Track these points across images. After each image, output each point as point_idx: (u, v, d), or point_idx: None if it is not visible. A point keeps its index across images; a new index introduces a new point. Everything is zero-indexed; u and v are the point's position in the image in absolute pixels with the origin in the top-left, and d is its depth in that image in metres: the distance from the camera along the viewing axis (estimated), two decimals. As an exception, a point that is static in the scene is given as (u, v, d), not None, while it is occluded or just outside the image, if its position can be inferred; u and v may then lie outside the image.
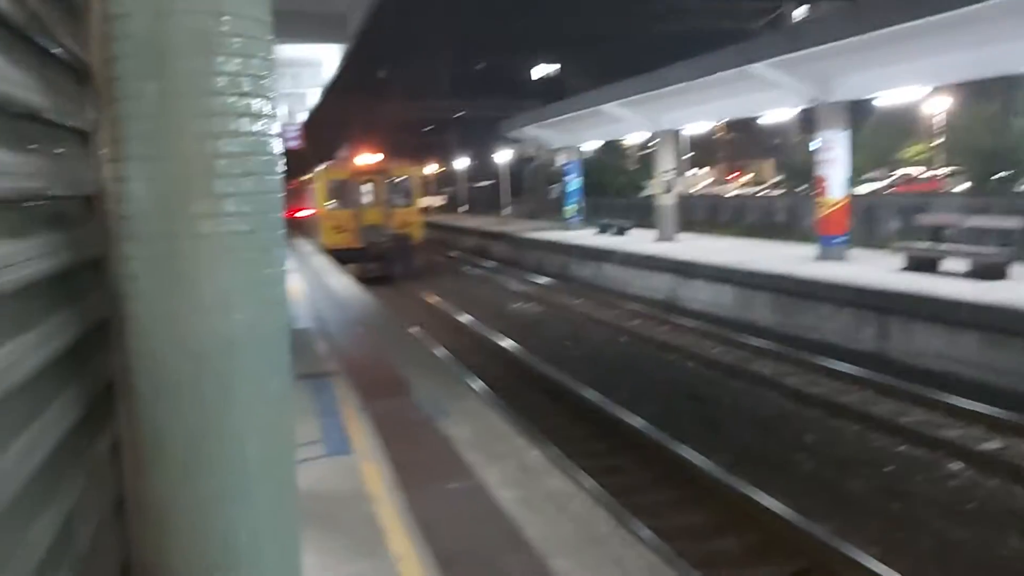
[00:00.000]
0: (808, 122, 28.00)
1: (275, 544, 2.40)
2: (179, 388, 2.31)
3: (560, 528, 4.82)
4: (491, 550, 4.56)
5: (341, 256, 26.89)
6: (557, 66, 67.93)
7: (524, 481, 5.56)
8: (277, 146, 2.52)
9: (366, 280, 24.41)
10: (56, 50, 2.34)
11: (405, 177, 29.64)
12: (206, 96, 2.31)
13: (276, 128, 2.52)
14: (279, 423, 2.47)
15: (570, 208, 34.28)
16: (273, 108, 2.52)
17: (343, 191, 28.75)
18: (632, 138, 36.90)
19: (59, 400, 2.06)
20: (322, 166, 30.41)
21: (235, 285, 2.32)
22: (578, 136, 33.52)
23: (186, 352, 2.29)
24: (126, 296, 2.35)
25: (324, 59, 22.75)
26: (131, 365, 2.38)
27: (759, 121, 36.38)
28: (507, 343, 15.99)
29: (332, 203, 28.78)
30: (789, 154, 48.67)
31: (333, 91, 31.30)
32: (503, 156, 48.44)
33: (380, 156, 29.24)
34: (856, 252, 18.79)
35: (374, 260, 27.66)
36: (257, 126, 2.41)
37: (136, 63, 2.31)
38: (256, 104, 2.41)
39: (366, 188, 28.81)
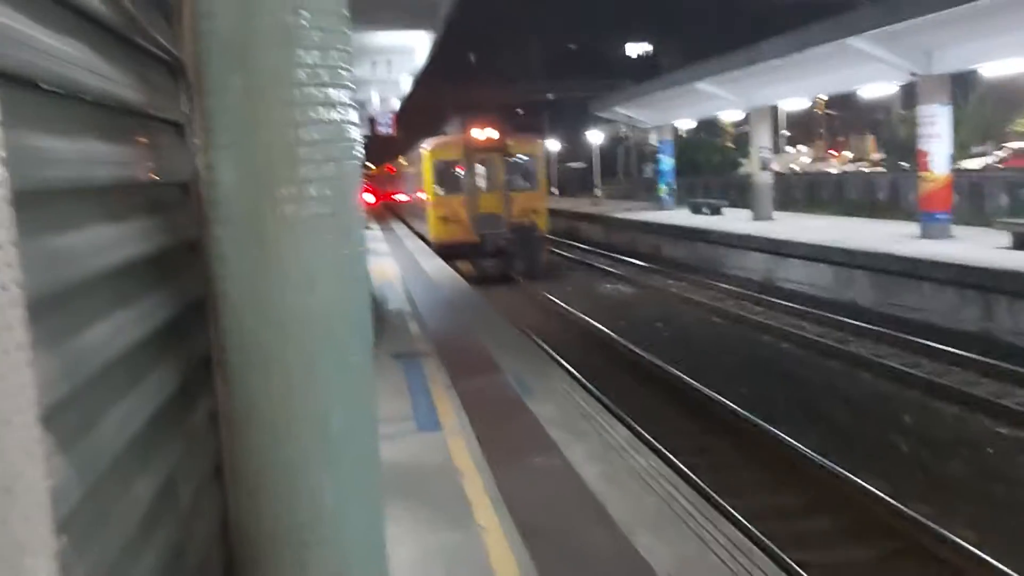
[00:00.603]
0: (911, 96, 26.96)
1: (359, 506, 2.55)
2: (267, 361, 2.47)
3: (643, 504, 4.89)
4: (575, 525, 4.66)
5: (452, 251, 22.94)
6: (648, 45, 67.13)
7: (608, 458, 5.63)
8: (355, 133, 2.66)
9: (480, 280, 21.70)
10: (152, 49, 2.50)
11: (527, 156, 24.96)
12: (288, 87, 2.46)
13: (354, 116, 2.66)
14: (361, 393, 2.61)
15: (663, 188, 33.96)
16: (351, 97, 2.66)
17: (454, 174, 24.37)
18: (727, 116, 36.28)
19: (157, 372, 2.24)
20: (427, 144, 25.51)
21: (317, 264, 2.47)
22: (671, 114, 33.13)
23: (273, 327, 2.46)
24: (217, 276, 2.53)
25: (416, 46, 23.08)
26: (224, 340, 2.56)
27: (859, 96, 35.26)
28: (596, 324, 16.02)
29: (440, 188, 24.38)
30: (891, 130, 46.92)
31: (425, 77, 31.31)
32: (594, 137, 48.27)
33: (496, 132, 24.39)
34: (960, 230, 18.13)
35: (491, 255, 23.21)
36: (336, 114, 2.55)
37: (222, 58, 2.48)
38: (335, 93, 2.56)
39: (481, 170, 24.22)
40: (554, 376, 7.91)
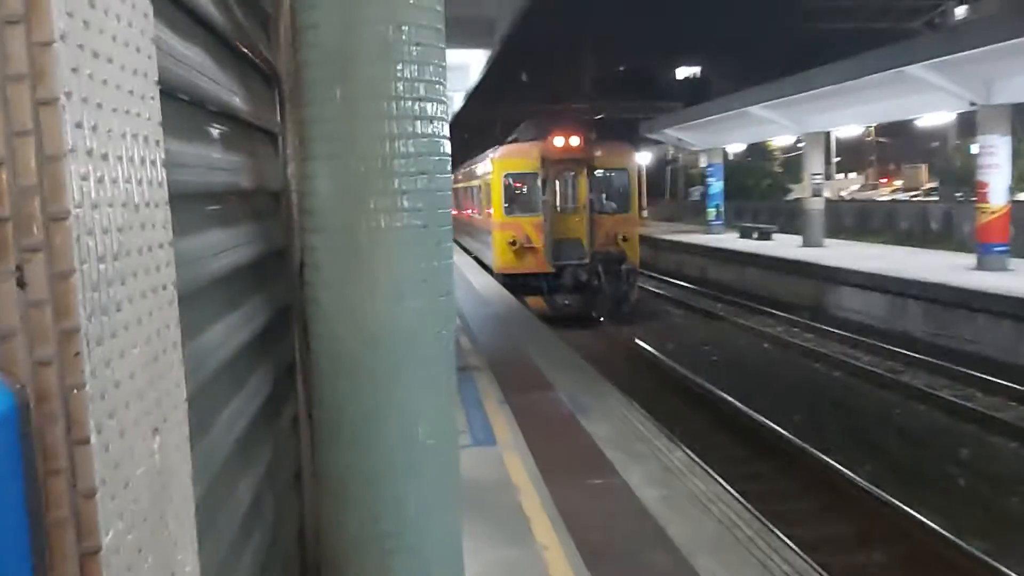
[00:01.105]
0: (967, 125, 26.48)
1: (440, 516, 2.56)
2: (356, 369, 2.50)
3: (703, 528, 4.84)
4: (636, 546, 4.63)
5: (521, 284, 18.95)
6: (698, 68, 66.97)
7: (667, 481, 5.59)
8: (447, 147, 2.68)
9: (555, 319, 17.78)
10: (252, 57, 2.55)
11: (617, 169, 20.44)
12: (386, 100, 2.49)
13: (447, 130, 2.69)
14: (445, 405, 2.63)
15: (712, 211, 33.76)
16: (445, 111, 2.69)
17: (526, 190, 19.99)
18: (778, 141, 35.95)
19: (256, 376, 2.27)
20: (495, 152, 21.23)
21: (409, 276, 2.49)
22: (722, 138, 32.98)
23: (363, 336, 2.48)
24: (310, 283, 2.57)
25: (471, 63, 23.27)
26: (313, 347, 2.59)
27: (912, 124, 34.80)
28: (644, 345, 15.93)
29: (509, 207, 19.83)
30: (945, 159, 46.19)
31: (477, 94, 31.47)
32: (642, 158, 48.18)
33: (580, 139, 19.84)
34: (1018, 262, 17.77)
35: (571, 291, 19.07)
36: (431, 128, 2.58)
37: (324, 70, 2.52)
38: (430, 108, 2.59)
39: (560, 185, 19.85)
40: (609, 396, 7.88)
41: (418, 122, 2.54)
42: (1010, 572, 6.56)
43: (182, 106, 1.76)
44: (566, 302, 18.88)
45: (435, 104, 2.60)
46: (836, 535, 7.67)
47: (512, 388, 8.27)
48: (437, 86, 2.61)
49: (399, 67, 2.50)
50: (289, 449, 2.80)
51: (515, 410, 7.42)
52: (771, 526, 5.40)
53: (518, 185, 19.92)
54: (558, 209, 19.35)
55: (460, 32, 17.39)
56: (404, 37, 2.50)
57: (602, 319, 19.02)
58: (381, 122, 2.48)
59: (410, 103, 2.52)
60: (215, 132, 2.02)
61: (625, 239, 19.34)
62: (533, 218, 19.19)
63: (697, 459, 6.69)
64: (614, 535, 4.77)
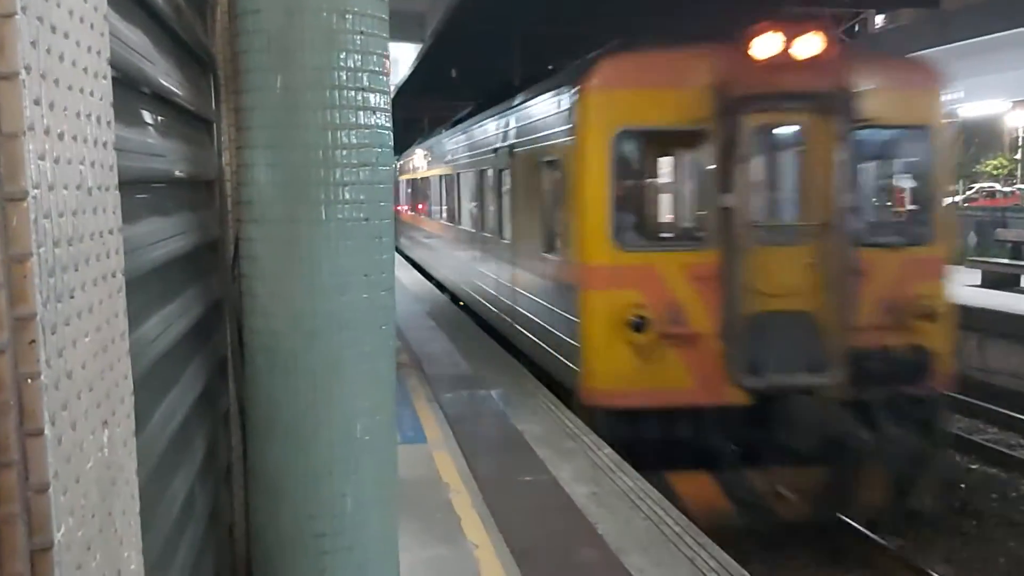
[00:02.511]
0: None
1: (378, 515, 2.52)
2: (293, 365, 2.45)
3: (633, 525, 4.88)
4: (566, 543, 4.64)
5: (658, 438, 7.05)
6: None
7: (596, 478, 5.62)
8: (390, 139, 2.65)
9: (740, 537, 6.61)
10: (189, 42, 2.47)
11: (911, 127, 7.72)
12: (328, 89, 2.44)
13: (389, 121, 2.65)
14: (384, 402, 2.59)
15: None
16: (388, 102, 2.65)
17: (671, 178, 8.45)
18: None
19: (190, 370, 2.20)
20: (583, 77, 7.55)
21: (349, 269, 2.45)
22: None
23: (301, 330, 2.43)
24: (246, 276, 2.50)
25: (401, 58, 23.11)
26: (247, 341, 2.53)
27: None
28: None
29: (623, 227, 7.51)
30: None
31: (406, 89, 31.18)
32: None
33: (822, 40, 7.05)
34: None
35: (795, 460, 6.98)
36: (373, 119, 2.53)
37: (264, 57, 2.46)
38: (374, 98, 2.54)
39: (766, 165, 7.90)
40: (538, 393, 7.90)
41: (361, 112, 2.50)
42: None
43: (118, 87, 1.69)
44: (780, 490, 7.08)
45: (378, 95, 2.56)
46: None
47: (441, 386, 8.23)
48: (381, 76, 2.57)
49: (342, 56, 2.45)
50: (221, 445, 2.73)
51: (445, 408, 7.38)
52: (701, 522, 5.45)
53: (649, 165, 8.42)
54: (760, 231, 7.25)
55: (391, 25, 17.24)
56: (348, 25, 2.45)
57: (882, 540, 7.26)
58: (323, 112, 2.43)
59: (353, 93, 2.48)
60: (150, 116, 1.95)
61: (930, 314, 7.41)
62: (689, 255, 7.34)
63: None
64: (544, 532, 4.78)
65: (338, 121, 2.47)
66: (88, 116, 0.98)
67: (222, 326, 2.82)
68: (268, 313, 2.46)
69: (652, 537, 4.75)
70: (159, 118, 2.03)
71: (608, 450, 6.25)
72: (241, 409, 2.65)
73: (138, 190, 1.78)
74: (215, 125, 2.91)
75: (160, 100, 2.06)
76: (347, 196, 2.49)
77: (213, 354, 2.67)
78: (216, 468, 2.62)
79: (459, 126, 14.44)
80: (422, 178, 19.21)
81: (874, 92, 7.06)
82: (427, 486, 5.43)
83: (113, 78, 1.66)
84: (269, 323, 2.47)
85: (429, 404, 7.50)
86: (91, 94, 1.00)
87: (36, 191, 0.77)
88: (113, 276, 1.08)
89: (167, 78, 2.09)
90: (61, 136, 0.86)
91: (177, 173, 2.19)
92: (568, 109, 7.59)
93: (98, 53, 1.04)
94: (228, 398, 2.83)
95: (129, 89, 1.79)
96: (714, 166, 7.03)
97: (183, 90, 2.35)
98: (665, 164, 8.25)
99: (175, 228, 2.08)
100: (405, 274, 19.07)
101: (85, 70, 0.99)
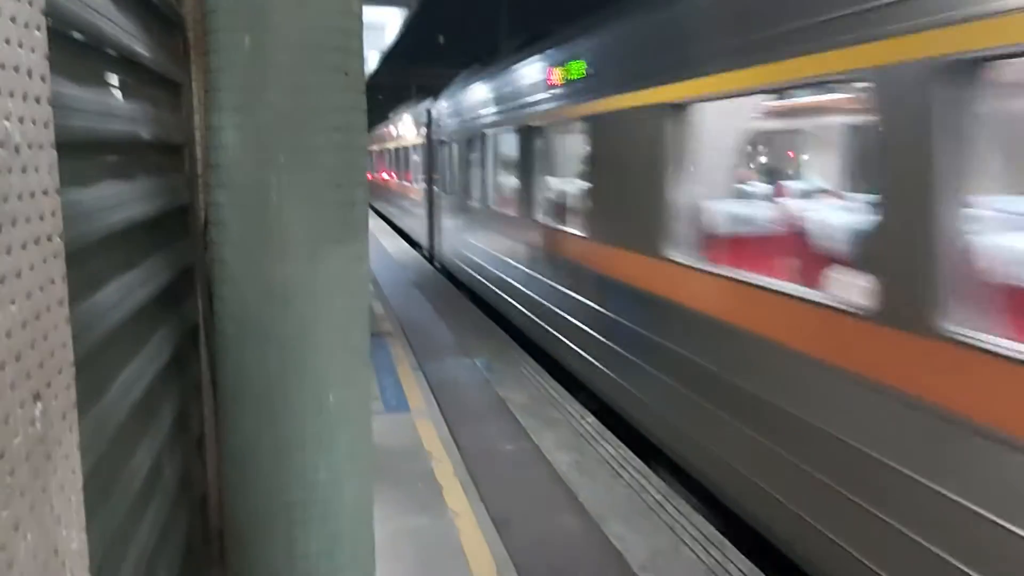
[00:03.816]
0: None
1: (351, 486, 2.48)
2: (263, 333, 2.39)
3: (614, 493, 4.87)
4: (547, 512, 4.63)
5: None
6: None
7: (578, 446, 5.61)
8: (363, 103, 2.57)
9: None
10: (155, 1, 2.39)
11: None
12: (299, 50, 2.36)
13: (363, 85, 2.57)
14: (358, 371, 2.54)
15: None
16: (361, 65, 2.57)
17: None
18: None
19: (155, 339, 2.15)
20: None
21: (321, 235, 2.38)
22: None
23: (272, 298, 2.37)
24: (215, 242, 2.44)
25: (387, 22, 22.75)
26: (218, 309, 2.47)
27: None
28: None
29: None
30: None
31: (392, 56, 30.68)
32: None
33: None
34: None
35: None
36: (346, 82, 2.46)
37: (233, 16, 2.37)
38: (346, 60, 2.47)
39: None
40: (522, 362, 7.87)
41: (333, 74, 2.43)
42: None
43: (77, 47, 1.62)
44: None
45: (351, 56, 2.48)
46: None
47: (426, 354, 8.19)
48: (353, 37, 2.49)
49: (314, 15, 2.38)
50: (193, 415, 2.68)
51: (428, 376, 7.35)
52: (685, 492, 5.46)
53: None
54: None
55: (377, -10, 17.01)
56: (320, -17, 2.38)
57: None
58: (293, 73, 2.36)
59: (325, 53, 2.40)
60: (112, 77, 1.88)
61: None
62: None
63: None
64: (525, 501, 4.76)
65: (309, 82, 2.40)
66: (16, 68, 0.92)
67: (193, 294, 2.75)
68: (237, 280, 2.41)
69: (633, 505, 4.75)
70: (122, 79, 1.96)
71: (592, 419, 6.24)
72: (212, 379, 2.59)
73: (97, 153, 1.72)
74: (185, 88, 2.83)
75: (124, 61, 1.98)
76: (319, 160, 2.42)
77: (183, 322, 2.61)
78: (187, 438, 2.58)
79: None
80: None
81: None
82: (409, 455, 5.41)
83: (70, 37, 1.60)
84: (239, 290, 2.41)
85: (413, 372, 7.47)
86: (19, 45, 0.94)
87: (-57, 146, 0.71)
88: (49, 240, 1.02)
89: (129, 37, 2.01)
90: (-22, 88, 0.80)
91: (142, 136, 2.12)
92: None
93: (29, 2, 0.98)
94: (200, 367, 2.77)
95: (89, 49, 1.73)
96: None
97: (149, 51, 2.27)
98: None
99: (138, 193, 2.01)
100: (389, 241, 18.99)
101: (12, 20, 0.92)
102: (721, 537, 4.36)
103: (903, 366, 3.41)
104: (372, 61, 31.62)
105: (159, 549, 2.00)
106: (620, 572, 4.01)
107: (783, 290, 4.17)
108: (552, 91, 7.96)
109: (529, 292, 8.53)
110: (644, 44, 5.89)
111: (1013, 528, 2.95)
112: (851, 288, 3.88)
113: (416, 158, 18.23)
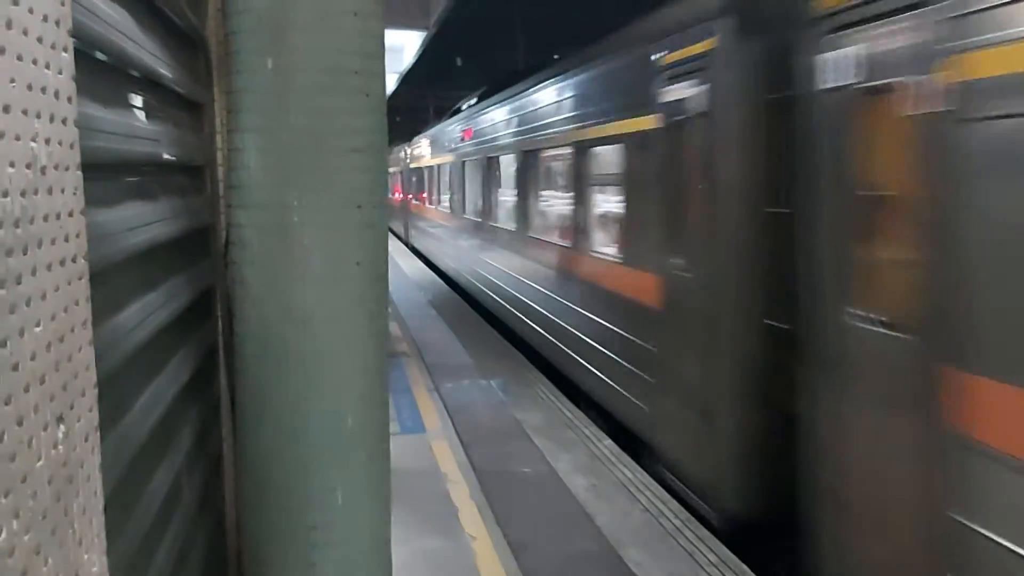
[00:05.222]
0: None
1: (369, 508, 2.46)
2: (283, 353, 2.38)
3: (631, 518, 4.83)
4: (564, 536, 4.59)
5: None
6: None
7: (595, 469, 5.57)
8: (384, 124, 2.57)
9: None
10: (178, 22, 2.41)
11: None
12: (320, 72, 2.37)
13: (384, 107, 2.58)
14: (376, 393, 2.53)
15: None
16: (382, 87, 2.58)
17: None
18: None
19: (176, 360, 2.14)
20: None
21: (342, 257, 2.38)
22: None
23: (292, 319, 2.37)
24: (236, 263, 2.44)
25: (406, 45, 22.92)
26: (238, 330, 2.47)
27: None
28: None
29: None
30: None
31: (410, 78, 30.84)
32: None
33: None
34: None
35: None
36: (367, 103, 2.46)
37: (255, 38, 2.38)
38: (367, 82, 2.47)
39: None
40: (538, 383, 7.84)
41: (355, 96, 2.43)
42: None
43: (101, 67, 1.63)
44: None
45: (372, 78, 2.49)
46: None
47: (442, 375, 8.18)
48: (375, 59, 2.50)
49: (336, 38, 2.38)
50: (211, 436, 2.67)
51: (444, 397, 7.33)
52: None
53: None
54: None
55: (394, 11, 17.15)
56: (341, 5, 2.39)
57: None
58: (315, 95, 2.36)
59: (346, 76, 2.41)
60: (135, 98, 1.89)
61: None
62: None
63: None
64: (542, 524, 4.73)
65: (330, 105, 2.40)
66: (43, 90, 0.92)
67: (213, 314, 2.76)
68: (258, 301, 2.40)
69: (651, 530, 4.70)
70: (145, 100, 1.97)
71: (608, 442, 6.20)
72: (232, 399, 2.59)
73: (120, 173, 1.72)
74: (208, 109, 2.84)
75: (147, 82, 1.99)
76: (340, 182, 2.42)
77: (203, 342, 2.61)
78: (206, 459, 2.56)
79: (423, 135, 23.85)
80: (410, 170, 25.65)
81: None
82: (425, 476, 5.38)
83: (94, 58, 1.61)
84: (259, 311, 2.41)
85: (429, 393, 7.45)
86: (47, 66, 0.93)
87: (-27, 167, 0.71)
88: (73, 261, 1.02)
89: (152, 58, 2.02)
90: (7, 109, 0.80)
91: (165, 156, 2.13)
92: None
93: (56, 23, 0.98)
94: (219, 388, 2.77)
95: (112, 69, 1.73)
96: None
97: (171, 71, 2.28)
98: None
99: (160, 213, 2.01)
100: (405, 261, 19.03)
101: (40, 40, 0.92)
102: (741, 564, 4.31)
103: None
104: (391, 83, 31.95)
105: (178, 570, 1.99)
106: (638, 597, 3.97)
107: None
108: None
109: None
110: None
111: None
112: None
113: (397, 179, 29.13)
